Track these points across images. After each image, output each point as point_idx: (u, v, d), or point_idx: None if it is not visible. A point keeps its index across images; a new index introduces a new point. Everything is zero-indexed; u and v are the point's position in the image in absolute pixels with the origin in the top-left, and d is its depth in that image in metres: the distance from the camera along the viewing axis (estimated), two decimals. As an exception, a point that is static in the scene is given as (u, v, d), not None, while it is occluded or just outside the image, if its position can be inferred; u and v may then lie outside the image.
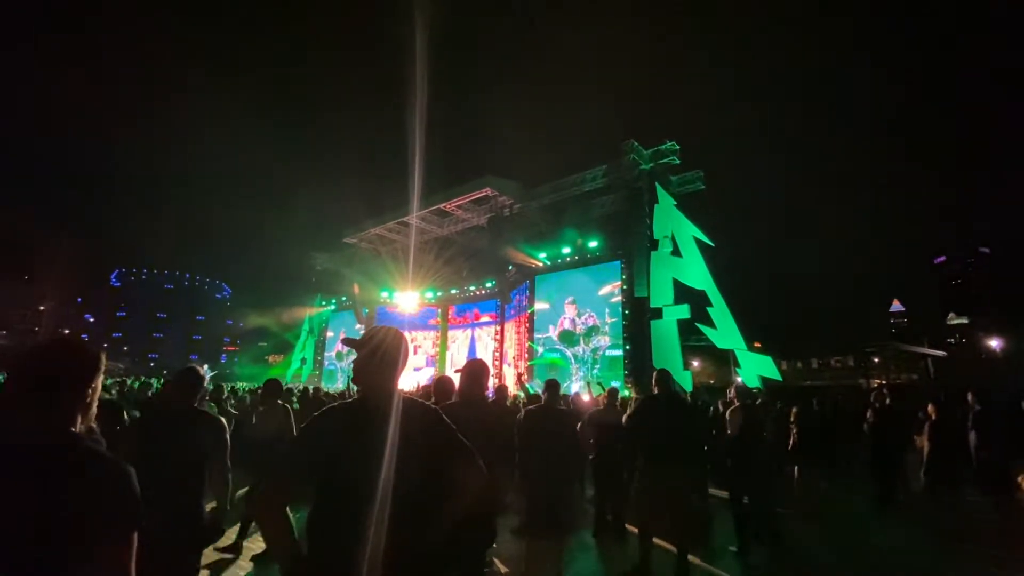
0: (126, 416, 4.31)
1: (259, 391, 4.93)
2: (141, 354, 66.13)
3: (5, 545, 1.08)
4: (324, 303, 32.64)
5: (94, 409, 1.31)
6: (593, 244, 19.56)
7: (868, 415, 6.97)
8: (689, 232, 16.97)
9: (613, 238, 19.08)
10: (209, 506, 2.72)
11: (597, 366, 18.23)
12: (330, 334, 33.10)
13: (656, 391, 4.23)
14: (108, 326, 72.70)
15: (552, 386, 4.15)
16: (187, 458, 2.64)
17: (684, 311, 16.35)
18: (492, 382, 22.15)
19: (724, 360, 17.58)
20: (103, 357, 1.35)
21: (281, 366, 35.94)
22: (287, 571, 1.49)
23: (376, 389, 1.63)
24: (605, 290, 18.79)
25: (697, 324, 16.02)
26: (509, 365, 22.02)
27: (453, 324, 27.69)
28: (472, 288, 25.95)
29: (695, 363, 18.54)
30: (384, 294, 28.00)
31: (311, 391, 11.76)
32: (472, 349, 25.88)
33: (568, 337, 19.46)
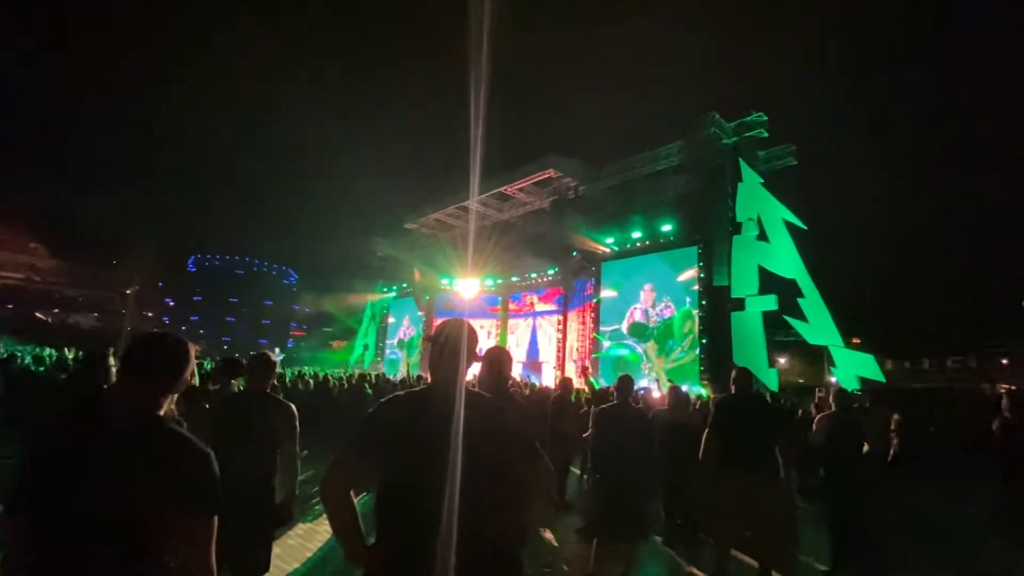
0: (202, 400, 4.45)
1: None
2: (216, 337, 71.59)
3: (93, 521, 1.21)
4: (386, 289, 33.72)
5: (176, 395, 1.46)
6: (666, 228, 18.90)
7: (994, 426, 6.18)
8: (778, 214, 16.06)
9: (689, 221, 18.36)
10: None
11: (674, 360, 17.74)
12: (391, 320, 34.11)
13: (734, 390, 4.12)
14: (186, 310, 79.18)
15: (624, 383, 4.09)
16: (261, 442, 2.80)
17: (770, 302, 15.56)
18: (554, 374, 22.77)
19: (816, 358, 16.56)
20: (192, 349, 1.49)
21: (344, 351, 37.52)
22: (351, 555, 1.56)
23: (443, 380, 1.70)
24: (686, 276, 18.05)
25: (785, 317, 15.23)
26: (574, 361, 21.75)
27: (514, 312, 27.70)
28: (533, 275, 25.89)
29: (781, 360, 17.65)
30: (444, 281, 28.47)
31: (374, 378, 12.05)
32: (533, 339, 25.83)
33: (639, 331, 18.99)
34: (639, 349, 18.90)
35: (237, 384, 4.96)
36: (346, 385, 10.56)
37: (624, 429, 3.84)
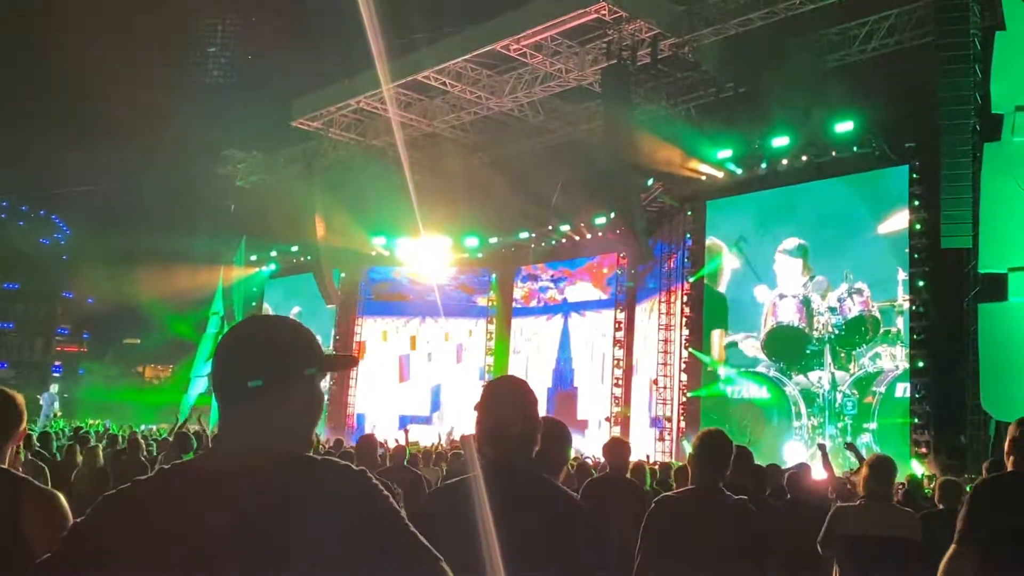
0: None
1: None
2: None
3: None
4: (254, 258, 33.75)
5: None
6: (844, 127, 19.02)
7: None
8: (1082, 97, 16.01)
9: (891, 114, 18.44)
10: None
11: (873, 417, 17.76)
12: (266, 320, 34.00)
13: (1013, 463, 4.16)
14: None
15: (715, 446, 4.34)
16: None
17: (1061, 283, 15.61)
18: (607, 431, 22.68)
19: None
20: None
21: (170, 386, 37.77)
22: None
23: (237, 447, 1.82)
24: (892, 225, 18.15)
25: (1092, 314, 15.30)
26: (664, 401, 21.76)
27: (522, 305, 27.84)
28: (564, 228, 25.99)
29: (1083, 406, 17.85)
30: (377, 240, 28.54)
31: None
32: (564, 352, 26.16)
33: (791, 339, 19.21)
34: (788, 387, 18.97)
35: None
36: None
37: (712, 543, 3.99)
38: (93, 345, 68.44)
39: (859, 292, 18.42)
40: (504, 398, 3.03)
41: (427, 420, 26.23)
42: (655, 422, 21.20)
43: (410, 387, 29.64)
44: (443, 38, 23.89)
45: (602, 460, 10.15)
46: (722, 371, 20.21)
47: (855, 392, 18.20)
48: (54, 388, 27.30)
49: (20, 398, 3.19)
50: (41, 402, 29.64)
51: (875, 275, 18.31)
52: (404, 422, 25.17)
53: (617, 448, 7.13)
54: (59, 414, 29.40)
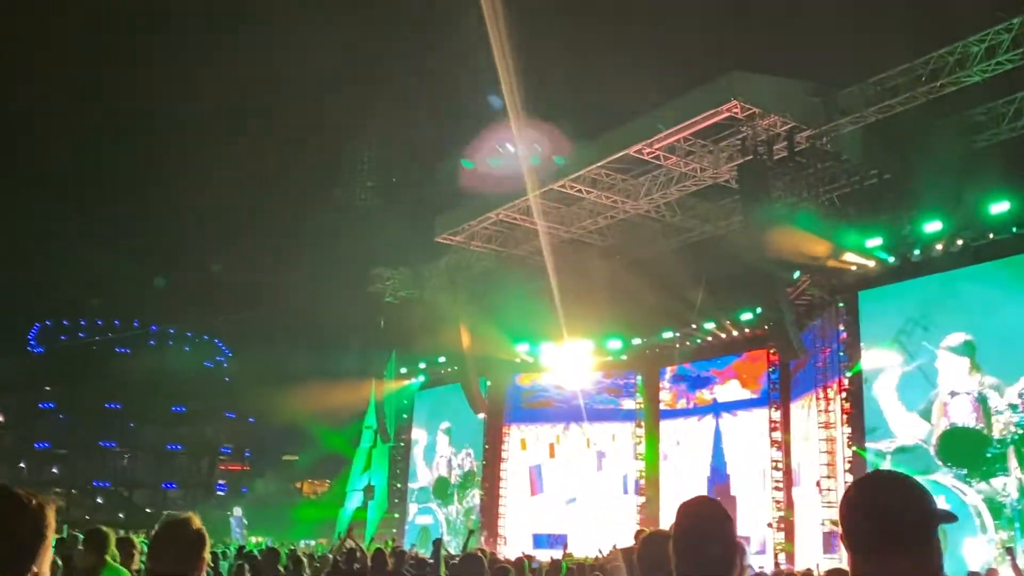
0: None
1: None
2: (84, 478, 74.97)
3: None
4: (403, 371, 34.26)
5: None
6: (999, 208, 18.26)
7: None
8: None
9: None
10: None
11: None
12: (418, 435, 34.32)
13: None
14: (27, 429, 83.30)
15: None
16: None
17: None
18: (770, 539, 21.86)
19: None
20: (48, 510, 1.73)
21: (325, 502, 38.29)
22: None
23: None
24: None
25: None
26: (830, 504, 20.81)
27: (670, 408, 27.44)
28: (709, 326, 25.64)
29: None
30: (521, 347, 28.71)
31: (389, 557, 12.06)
32: (717, 460, 25.58)
33: (968, 442, 18.08)
34: (969, 496, 17.68)
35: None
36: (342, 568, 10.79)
37: None
38: (254, 463, 70.42)
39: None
40: (702, 517, 2.96)
41: (560, 540, 23.94)
42: (823, 532, 20.14)
43: (542, 501, 29.44)
44: (577, 147, 24.27)
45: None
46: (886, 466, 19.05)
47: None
48: (238, 511, 28.36)
49: (201, 524, 3.26)
50: (232, 523, 30.82)
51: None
52: (539, 542, 25.18)
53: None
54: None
